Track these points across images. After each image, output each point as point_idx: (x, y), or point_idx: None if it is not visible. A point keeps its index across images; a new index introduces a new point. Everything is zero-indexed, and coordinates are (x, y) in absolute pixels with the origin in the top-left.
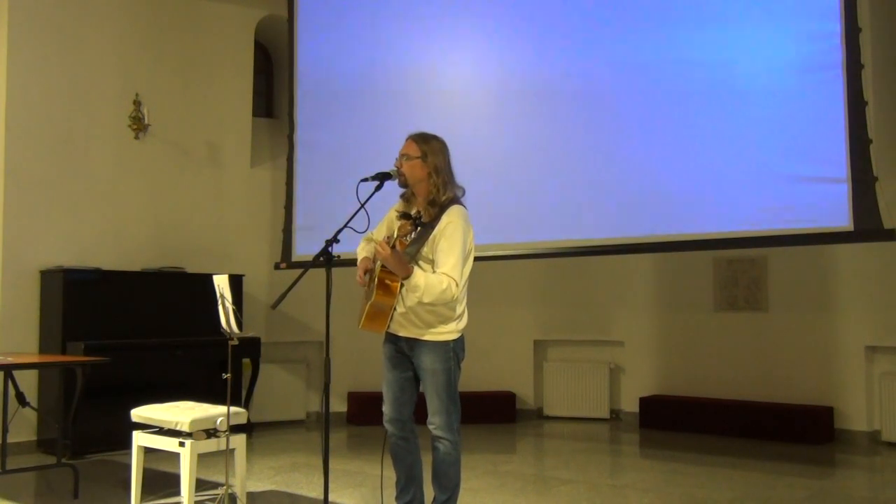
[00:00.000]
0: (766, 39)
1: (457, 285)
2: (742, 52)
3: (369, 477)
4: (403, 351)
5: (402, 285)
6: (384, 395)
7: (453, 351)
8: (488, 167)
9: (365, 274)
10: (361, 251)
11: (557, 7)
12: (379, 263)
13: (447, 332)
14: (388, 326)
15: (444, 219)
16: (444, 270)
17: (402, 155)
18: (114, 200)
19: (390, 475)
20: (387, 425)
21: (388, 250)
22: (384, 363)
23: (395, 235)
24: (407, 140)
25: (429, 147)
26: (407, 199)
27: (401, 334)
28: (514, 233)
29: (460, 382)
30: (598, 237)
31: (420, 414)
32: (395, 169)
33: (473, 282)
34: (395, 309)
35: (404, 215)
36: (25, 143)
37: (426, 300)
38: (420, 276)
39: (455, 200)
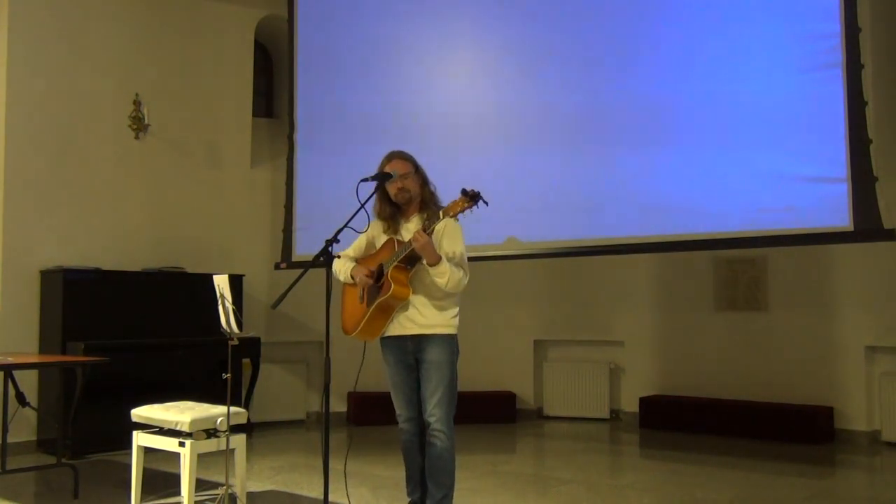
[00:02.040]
0: (767, 39)
1: (467, 273)
2: (742, 52)
3: (369, 477)
4: (409, 351)
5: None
6: (396, 398)
7: (456, 345)
8: (488, 167)
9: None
10: (345, 268)
11: (556, 10)
12: (391, 262)
13: (450, 326)
14: (387, 330)
15: (443, 220)
16: (455, 262)
17: (401, 175)
18: (114, 200)
19: (384, 475)
20: (403, 425)
21: (426, 237)
22: (391, 370)
23: (441, 215)
24: (393, 160)
25: (414, 161)
26: (386, 216)
27: (407, 334)
28: (515, 233)
29: (459, 382)
30: (598, 237)
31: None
32: (401, 189)
33: (474, 282)
34: (397, 308)
35: (463, 192)
36: (25, 143)
37: (449, 286)
38: (446, 262)
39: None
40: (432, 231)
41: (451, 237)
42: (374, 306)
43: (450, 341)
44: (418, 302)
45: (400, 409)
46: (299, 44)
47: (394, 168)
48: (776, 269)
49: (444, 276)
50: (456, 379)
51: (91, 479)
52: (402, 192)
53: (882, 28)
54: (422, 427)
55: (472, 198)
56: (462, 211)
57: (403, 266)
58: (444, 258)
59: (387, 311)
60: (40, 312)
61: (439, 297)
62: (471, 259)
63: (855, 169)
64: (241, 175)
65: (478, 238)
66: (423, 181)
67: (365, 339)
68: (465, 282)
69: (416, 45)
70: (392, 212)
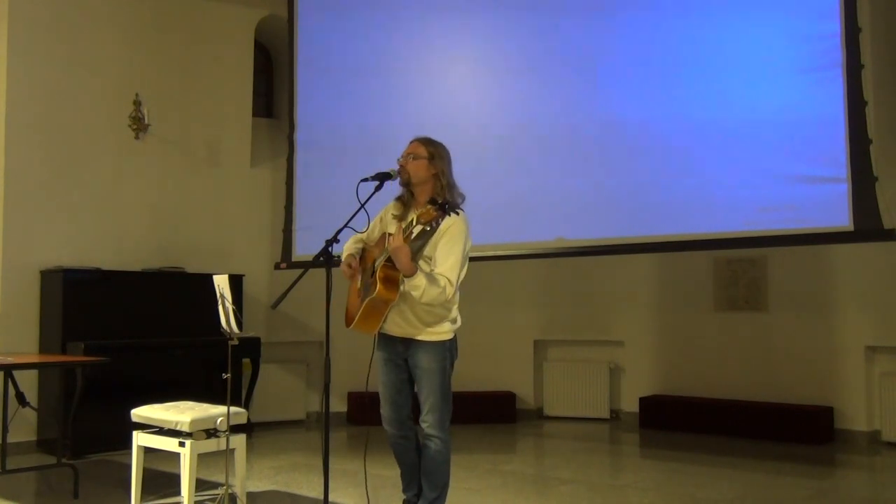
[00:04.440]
0: (767, 39)
1: (452, 286)
2: (742, 52)
3: (369, 477)
4: (399, 353)
5: (402, 281)
6: (382, 397)
7: (449, 351)
8: (488, 167)
9: (351, 268)
10: (348, 249)
11: (558, 8)
12: (381, 260)
13: (443, 331)
14: (381, 327)
15: (448, 220)
16: (441, 270)
17: (408, 154)
18: (114, 200)
19: (383, 474)
20: (386, 426)
21: (401, 241)
22: (379, 367)
23: (414, 221)
24: (413, 142)
25: (436, 150)
26: (404, 202)
27: (396, 335)
28: (515, 233)
29: (458, 382)
30: (598, 237)
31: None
32: (400, 167)
33: (474, 282)
34: (390, 307)
35: (431, 201)
36: (25, 143)
37: (424, 300)
38: (421, 275)
39: (457, 205)
40: (409, 235)
41: (450, 242)
42: (363, 305)
43: (440, 348)
44: (410, 303)
45: (384, 408)
46: (299, 44)
47: (409, 148)
48: (776, 269)
49: (418, 289)
50: (448, 384)
51: (91, 479)
52: (402, 170)
53: (882, 28)
54: (406, 428)
55: (440, 208)
56: (432, 219)
57: (392, 266)
58: (419, 270)
59: (378, 309)
60: (40, 312)
61: None
62: (472, 259)
63: (855, 169)
64: (241, 175)
65: (479, 238)
66: (438, 173)
67: (363, 331)
68: (448, 295)
69: (416, 44)
70: (408, 197)
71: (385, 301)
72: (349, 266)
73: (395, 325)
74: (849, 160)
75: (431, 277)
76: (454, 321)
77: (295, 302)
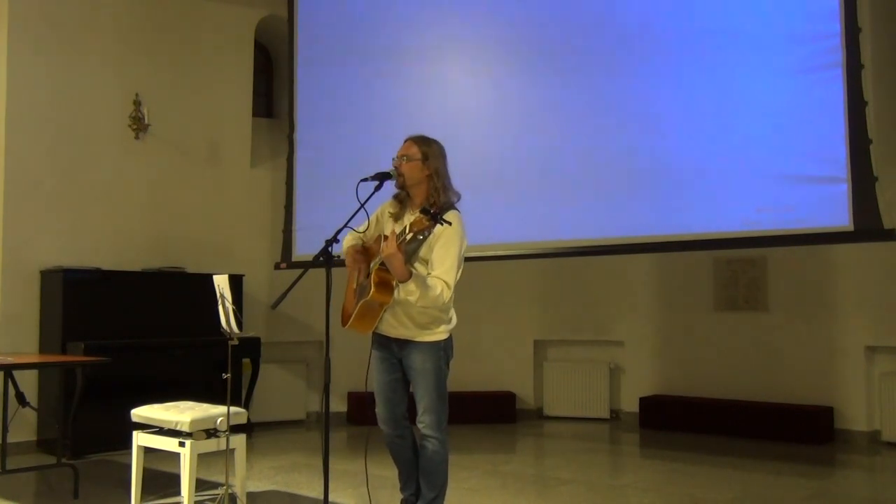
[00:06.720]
0: (767, 39)
1: (449, 289)
2: (742, 52)
3: (369, 477)
4: (393, 352)
5: (396, 285)
6: (376, 396)
7: (444, 350)
8: (488, 167)
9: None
10: (348, 243)
11: (557, 12)
12: (375, 263)
13: (438, 332)
14: (376, 328)
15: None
16: (437, 274)
17: (401, 156)
18: (114, 200)
19: (382, 475)
20: (382, 426)
21: (394, 248)
22: (374, 366)
23: (407, 229)
24: (406, 141)
25: (430, 149)
26: (401, 200)
27: (392, 335)
28: (515, 233)
29: (458, 382)
30: (597, 237)
31: (410, 413)
32: (394, 169)
33: (474, 282)
34: (385, 309)
35: (423, 210)
36: (25, 143)
37: (420, 304)
38: (416, 281)
39: (451, 205)
40: (403, 242)
41: (445, 245)
42: (358, 306)
43: (435, 348)
44: (404, 305)
45: (378, 407)
46: (299, 44)
47: (402, 149)
48: (776, 270)
49: (413, 294)
50: (444, 384)
51: (91, 479)
52: (397, 173)
53: (882, 28)
54: (401, 427)
55: (432, 218)
56: (424, 229)
57: (387, 269)
58: (413, 275)
59: (373, 311)
60: (40, 312)
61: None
62: (472, 259)
63: (855, 169)
64: (241, 175)
65: (479, 238)
66: (432, 174)
67: (358, 332)
68: (445, 299)
69: (416, 45)
70: (405, 196)
71: (380, 304)
72: (356, 252)
73: (390, 326)
74: (849, 160)
75: (426, 282)
76: (449, 321)
77: (295, 302)
